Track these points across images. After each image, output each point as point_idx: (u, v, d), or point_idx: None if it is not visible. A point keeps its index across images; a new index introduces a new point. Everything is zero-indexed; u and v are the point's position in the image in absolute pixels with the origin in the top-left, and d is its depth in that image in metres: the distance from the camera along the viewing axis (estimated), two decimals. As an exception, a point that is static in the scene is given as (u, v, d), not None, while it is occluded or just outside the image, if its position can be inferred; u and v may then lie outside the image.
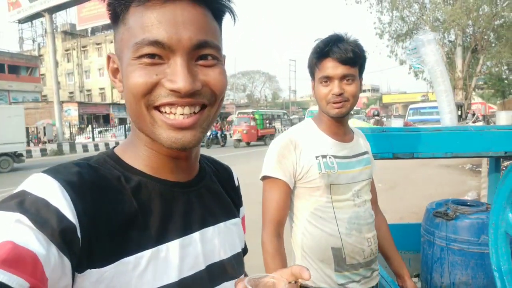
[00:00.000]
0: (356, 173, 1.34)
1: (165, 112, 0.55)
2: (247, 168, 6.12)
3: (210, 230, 0.65)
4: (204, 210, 0.65)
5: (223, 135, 19.85)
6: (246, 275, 0.72)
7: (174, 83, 0.53)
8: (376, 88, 72.72)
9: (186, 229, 0.60)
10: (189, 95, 0.54)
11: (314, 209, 1.30)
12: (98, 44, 42.05)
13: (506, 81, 22.96)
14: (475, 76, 18.95)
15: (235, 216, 0.73)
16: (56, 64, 23.77)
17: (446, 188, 7.18)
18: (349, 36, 1.26)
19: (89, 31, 43.54)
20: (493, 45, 18.33)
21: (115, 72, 0.60)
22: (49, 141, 23.06)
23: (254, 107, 37.28)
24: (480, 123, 13.22)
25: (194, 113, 0.56)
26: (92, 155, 0.61)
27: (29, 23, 35.90)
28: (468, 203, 2.04)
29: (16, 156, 12.79)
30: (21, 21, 30.10)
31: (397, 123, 8.52)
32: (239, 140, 18.85)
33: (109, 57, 0.61)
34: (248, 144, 19.51)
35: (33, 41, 43.66)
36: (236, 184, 0.81)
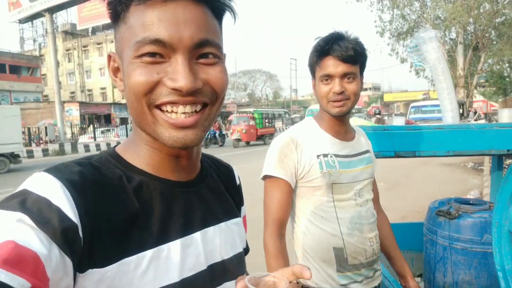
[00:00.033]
0: (358, 172, 1.32)
1: (167, 111, 0.54)
2: (247, 168, 6.12)
3: (211, 230, 0.65)
4: (205, 210, 0.65)
5: (221, 134, 19.82)
6: (247, 274, 0.72)
7: (175, 82, 0.52)
8: (377, 86, 72.65)
9: (187, 229, 0.60)
10: (190, 94, 0.53)
11: (316, 209, 1.29)
12: (99, 43, 42.07)
13: (507, 79, 22.88)
14: (477, 74, 18.93)
15: (236, 215, 0.73)
16: (57, 64, 23.78)
17: (448, 187, 7.17)
18: (349, 34, 1.25)
19: (90, 30, 43.57)
20: (495, 42, 18.31)
21: (116, 71, 0.60)
22: (51, 141, 23.11)
23: (255, 106, 37.29)
24: (482, 121, 13.17)
25: (196, 111, 0.56)
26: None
27: (30, 23, 35.98)
28: (471, 202, 2.03)
29: (12, 157, 12.61)
30: (22, 21, 30.16)
31: (398, 121, 8.47)
32: (238, 140, 18.81)
33: (109, 56, 0.61)
34: (247, 143, 19.48)
35: (34, 41, 43.76)
36: (238, 182, 0.81)
